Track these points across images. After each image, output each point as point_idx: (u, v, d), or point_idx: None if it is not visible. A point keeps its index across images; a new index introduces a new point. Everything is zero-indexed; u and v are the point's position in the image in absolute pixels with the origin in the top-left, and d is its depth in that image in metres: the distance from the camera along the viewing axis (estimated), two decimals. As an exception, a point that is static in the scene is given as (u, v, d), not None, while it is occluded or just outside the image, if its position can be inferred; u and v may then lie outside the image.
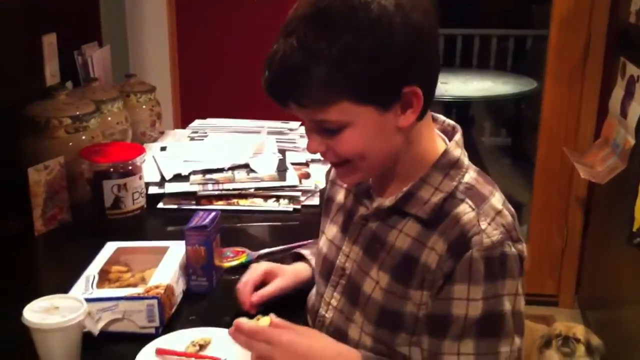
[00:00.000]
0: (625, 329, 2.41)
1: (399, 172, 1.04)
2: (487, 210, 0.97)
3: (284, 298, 1.23)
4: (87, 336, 1.10)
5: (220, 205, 1.70)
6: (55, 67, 1.94)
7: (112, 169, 1.56)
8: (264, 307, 1.18)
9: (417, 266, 0.98)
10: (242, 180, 1.77)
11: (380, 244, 1.04)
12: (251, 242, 1.54)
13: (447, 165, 1.02)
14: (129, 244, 1.37)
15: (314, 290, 1.22)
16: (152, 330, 1.17)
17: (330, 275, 1.13)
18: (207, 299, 1.31)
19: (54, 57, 1.93)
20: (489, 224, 0.96)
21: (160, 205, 1.73)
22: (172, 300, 1.23)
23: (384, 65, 0.92)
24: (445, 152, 1.03)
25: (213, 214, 1.33)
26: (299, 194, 1.76)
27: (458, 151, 1.04)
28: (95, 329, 1.13)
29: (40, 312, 1.05)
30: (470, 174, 1.03)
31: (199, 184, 1.75)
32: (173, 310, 1.24)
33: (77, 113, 1.67)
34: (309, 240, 1.47)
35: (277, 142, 2.05)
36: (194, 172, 1.79)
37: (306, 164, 1.92)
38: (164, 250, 1.33)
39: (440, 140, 1.07)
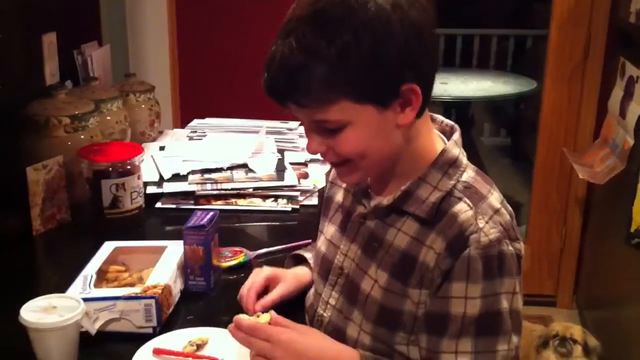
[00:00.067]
0: (624, 330, 2.41)
1: (398, 171, 1.04)
2: (485, 208, 0.98)
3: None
4: (84, 336, 1.10)
5: (218, 205, 1.70)
6: (54, 66, 1.94)
7: (110, 169, 1.56)
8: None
9: (415, 264, 0.99)
10: (240, 180, 1.77)
11: (379, 243, 1.04)
12: (249, 242, 1.53)
13: (446, 164, 1.02)
14: (127, 243, 1.37)
15: (312, 290, 1.22)
16: (150, 330, 1.17)
17: (329, 274, 1.13)
18: (205, 299, 1.31)
19: (54, 56, 1.93)
20: (487, 222, 0.96)
21: (159, 204, 1.73)
22: (170, 300, 1.23)
23: (383, 64, 0.92)
24: (444, 151, 1.03)
25: (211, 213, 1.33)
26: (297, 193, 1.76)
27: (456, 150, 1.04)
28: (93, 328, 1.13)
29: (37, 312, 1.05)
30: (469, 173, 1.03)
31: (197, 183, 1.75)
32: (171, 310, 1.24)
33: (77, 112, 1.67)
34: (308, 240, 1.48)
35: (275, 141, 2.05)
36: (193, 172, 1.79)
37: (305, 164, 1.92)
38: (161, 249, 1.33)
39: (439, 139, 1.07)
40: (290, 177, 1.79)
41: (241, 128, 2.20)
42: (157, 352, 1.11)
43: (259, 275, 1.24)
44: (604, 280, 2.73)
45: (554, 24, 2.84)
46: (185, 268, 1.31)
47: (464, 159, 1.05)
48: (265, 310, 1.12)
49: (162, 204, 1.73)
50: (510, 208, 1.02)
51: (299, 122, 2.17)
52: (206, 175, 1.78)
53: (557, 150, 2.93)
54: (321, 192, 1.72)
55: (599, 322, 2.74)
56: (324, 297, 1.13)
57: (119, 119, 1.88)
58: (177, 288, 1.27)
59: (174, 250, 1.33)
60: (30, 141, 1.63)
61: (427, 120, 1.05)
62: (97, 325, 1.14)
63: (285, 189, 1.76)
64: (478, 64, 5.24)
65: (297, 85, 0.93)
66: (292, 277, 1.26)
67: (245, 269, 1.40)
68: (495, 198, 1.01)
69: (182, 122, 2.65)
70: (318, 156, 1.04)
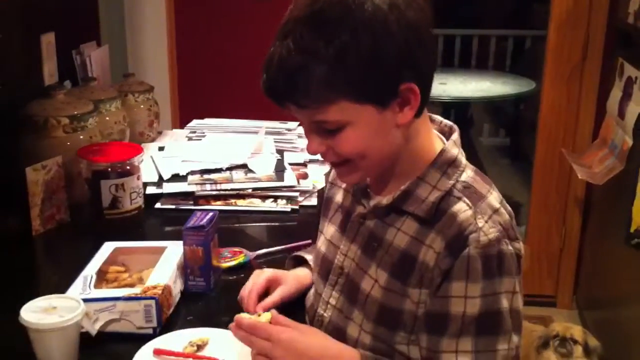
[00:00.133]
0: (624, 330, 2.41)
1: (397, 171, 1.05)
2: (484, 208, 0.98)
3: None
4: (84, 336, 1.10)
5: (218, 206, 1.70)
6: (53, 66, 1.93)
7: (110, 169, 1.56)
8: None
9: (415, 264, 0.99)
10: (240, 180, 1.77)
11: (379, 243, 1.04)
12: (249, 242, 1.53)
13: (445, 164, 1.03)
14: (126, 244, 1.37)
15: (312, 290, 1.22)
16: (150, 331, 1.17)
17: (329, 274, 1.13)
18: (205, 299, 1.31)
19: (53, 56, 1.93)
20: (486, 222, 0.96)
21: (158, 205, 1.73)
22: (170, 300, 1.23)
23: (381, 64, 0.92)
24: (443, 150, 1.04)
25: (211, 214, 1.33)
26: (296, 194, 1.76)
27: (455, 150, 1.05)
28: (93, 329, 1.13)
29: (37, 312, 1.05)
30: (468, 173, 1.03)
31: (196, 184, 1.75)
32: (171, 310, 1.23)
33: (75, 112, 1.67)
34: (307, 241, 1.48)
35: (275, 142, 2.05)
36: (192, 172, 1.79)
37: (304, 165, 1.92)
38: (161, 250, 1.33)
39: (438, 139, 1.07)
40: (289, 178, 1.79)
41: (240, 128, 2.20)
42: (157, 352, 1.11)
43: (260, 277, 1.24)
44: (604, 281, 2.73)
45: (553, 24, 2.84)
46: (185, 268, 1.31)
47: (463, 159, 1.05)
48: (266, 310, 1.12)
49: (162, 204, 1.73)
50: (509, 208, 1.02)
51: (298, 123, 2.17)
52: (205, 176, 1.78)
53: (556, 150, 2.94)
54: (321, 192, 1.72)
55: (599, 322, 2.74)
56: (324, 297, 1.13)
57: (118, 119, 1.88)
58: (177, 288, 1.27)
59: (173, 251, 1.32)
60: (29, 141, 1.63)
61: (426, 120, 1.06)
62: (98, 325, 1.14)
63: (285, 189, 1.76)
64: (477, 64, 5.25)
65: (296, 86, 0.93)
66: (293, 279, 1.26)
67: (245, 269, 1.40)
68: (494, 198, 1.01)
69: (181, 123, 2.65)
70: (317, 156, 1.05)
